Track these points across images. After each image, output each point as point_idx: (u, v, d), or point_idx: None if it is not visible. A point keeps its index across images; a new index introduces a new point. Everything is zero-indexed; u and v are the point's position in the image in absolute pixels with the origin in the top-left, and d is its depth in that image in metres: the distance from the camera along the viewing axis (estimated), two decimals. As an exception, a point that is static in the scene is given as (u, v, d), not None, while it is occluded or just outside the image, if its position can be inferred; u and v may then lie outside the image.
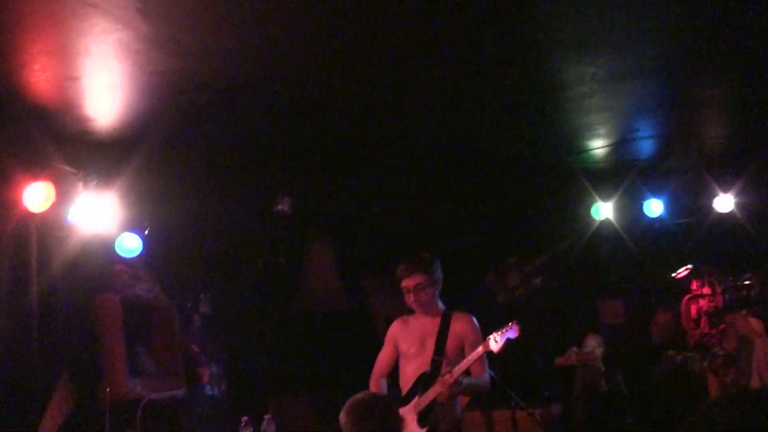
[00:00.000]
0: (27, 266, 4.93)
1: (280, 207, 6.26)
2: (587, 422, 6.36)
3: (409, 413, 4.68)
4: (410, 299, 4.81)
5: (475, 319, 4.93)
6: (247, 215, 6.43)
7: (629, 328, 7.16)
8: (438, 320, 4.85)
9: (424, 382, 4.71)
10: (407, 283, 4.79)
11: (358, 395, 3.63)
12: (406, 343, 4.92)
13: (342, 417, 3.46)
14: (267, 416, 5.02)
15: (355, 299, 7.21)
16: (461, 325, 4.86)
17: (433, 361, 4.74)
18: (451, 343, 4.79)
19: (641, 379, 6.49)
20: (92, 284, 5.40)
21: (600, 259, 7.28)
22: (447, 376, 4.55)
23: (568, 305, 7.34)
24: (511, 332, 4.61)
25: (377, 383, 4.96)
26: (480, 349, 4.62)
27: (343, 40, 4.10)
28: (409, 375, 4.81)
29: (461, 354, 4.78)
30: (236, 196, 6.21)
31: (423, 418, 4.65)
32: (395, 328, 5.02)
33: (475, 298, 7.27)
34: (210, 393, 6.04)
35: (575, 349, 6.71)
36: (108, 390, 4.65)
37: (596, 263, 7.30)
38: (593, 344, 6.79)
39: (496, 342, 4.59)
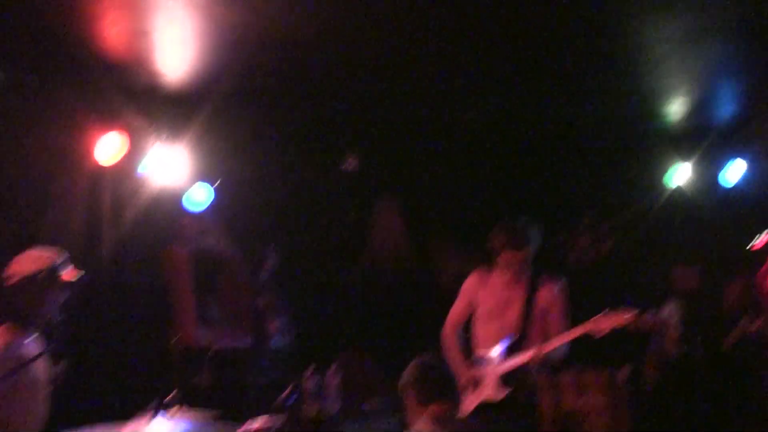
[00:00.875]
0: (100, 218, 5.04)
1: (347, 165, 6.25)
2: (658, 386, 6.23)
3: (489, 374, 4.66)
4: (513, 270, 4.72)
5: (563, 285, 4.86)
6: (314, 172, 6.44)
7: (703, 295, 6.97)
8: (524, 284, 4.78)
9: (510, 346, 4.67)
10: (512, 257, 4.69)
11: (422, 358, 3.63)
12: (488, 302, 4.84)
13: (403, 378, 3.45)
14: (332, 369, 5.06)
15: (422, 259, 7.18)
16: (549, 292, 4.79)
17: (519, 326, 4.70)
18: (537, 310, 4.73)
19: (714, 348, 6.31)
20: (162, 236, 5.49)
21: (674, 226, 7.09)
22: (538, 350, 4.54)
23: (639, 270, 7.18)
24: (619, 319, 4.53)
25: (453, 335, 4.91)
26: (581, 330, 4.56)
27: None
28: (488, 335, 4.75)
29: (545, 320, 4.73)
30: (304, 152, 6.22)
31: (505, 382, 4.62)
32: (474, 283, 4.92)
33: (542, 257, 7.16)
34: (276, 345, 6.12)
35: (651, 312, 6.52)
36: (177, 339, 4.71)
37: (670, 229, 7.10)
38: (670, 309, 6.62)
39: (598, 325, 4.53)
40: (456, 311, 4.95)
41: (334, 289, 6.89)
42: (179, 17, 4.22)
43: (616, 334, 6.55)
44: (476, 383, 4.68)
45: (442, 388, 3.38)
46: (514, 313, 4.74)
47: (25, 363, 3.69)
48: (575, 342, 5.18)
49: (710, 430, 5.75)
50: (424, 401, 3.33)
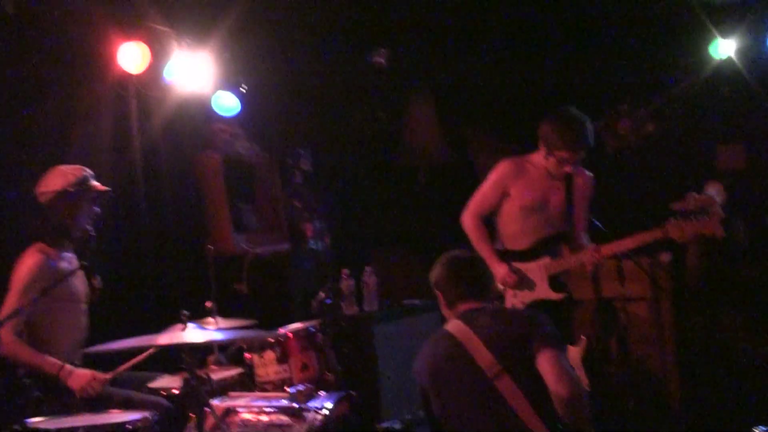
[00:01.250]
0: (128, 126, 5.01)
1: (376, 59, 6.09)
2: (701, 272, 6.15)
3: (535, 271, 4.45)
4: (566, 169, 4.40)
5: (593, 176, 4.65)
6: (344, 70, 6.30)
7: (750, 174, 6.78)
8: (561, 175, 4.47)
9: (554, 242, 4.49)
10: (571, 156, 4.37)
11: (455, 252, 3.51)
12: (526, 193, 4.52)
13: (437, 271, 3.36)
14: (368, 268, 5.06)
15: (457, 152, 7.07)
16: (585, 182, 4.59)
17: (564, 220, 4.48)
18: (576, 202, 4.50)
19: (761, 230, 6.17)
20: (192, 143, 5.46)
21: (719, 102, 6.84)
22: (596, 253, 4.33)
23: (684, 151, 6.98)
24: (708, 227, 4.18)
25: (482, 227, 4.59)
26: (657, 233, 4.26)
27: None
28: (529, 229, 4.49)
29: (578, 212, 4.52)
30: (333, 50, 6.06)
31: (555, 282, 4.44)
32: (509, 171, 4.56)
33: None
34: (313, 247, 6.13)
35: (694, 194, 6.36)
36: (213, 245, 4.73)
37: (715, 106, 6.85)
38: (713, 192, 6.45)
39: (681, 231, 4.21)
40: (485, 200, 4.62)
41: (369, 189, 6.85)
42: None
43: (660, 218, 6.47)
44: (522, 280, 4.45)
45: (475, 284, 3.29)
46: (557, 206, 4.49)
47: (63, 278, 3.77)
48: (615, 228, 5.10)
49: (753, 316, 5.68)
50: (456, 298, 3.27)
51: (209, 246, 4.67)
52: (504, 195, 4.58)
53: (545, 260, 4.42)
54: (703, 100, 6.76)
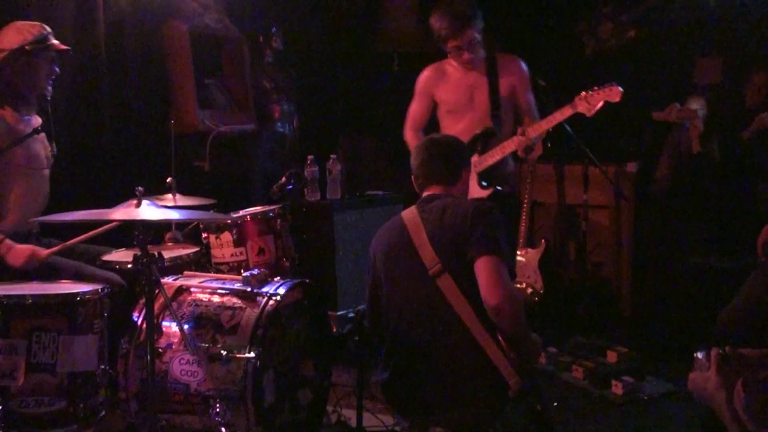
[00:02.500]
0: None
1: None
2: (668, 182, 6.16)
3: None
4: (464, 57, 4.32)
5: (523, 62, 4.51)
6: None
7: (726, 88, 6.74)
8: (483, 68, 4.40)
9: (483, 139, 4.39)
10: (458, 41, 4.27)
11: (434, 135, 3.48)
12: (451, 96, 4.48)
13: (417, 154, 3.26)
14: (333, 156, 4.98)
15: (432, 42, 6.88)
16: (512, 69, 4.44)
17: (493, 116, 4.38)
18: (504, 93, 4.40)
19: (732, 144, 6.17)
20: (160, 11, 5.22)
21: (702, 14, 6.71)
22: (522, 137, 4.24)
23: (663, 61, 6.89)
24: (611, 95, 4.11)
25: (416, 135, 4.55)
26: (568, 110, 4.18)
27: None
28: (459, 130, 4.35)
29: (513, 101, 4.44)
30: None
31: (485, 178, 4.37)
32: (429, 78, 4.55)
33: (561, 48, 6.88)
34: (280, 130, 6.01)
35: (677, 105, 6.30)
36: (176, 121, 4.61)
37: (698, 17, 6.73)
38: (697, 105, 6.40)
39: (588, 104, 4.13)
40: (416, 113, 4.60)
41: (341, 73, 6.69)
42: None
43: (628, 129, 6.43)
44: None
45: (442, 166, 3.18)
46: (481, 103, 4.41)
47: (22, 138, 3.65)
48: (581, 135, 5.05)
49: (714, 228, 5.74)
50: (423, 182, 3.21)
51: (171, 120, 4.55)
52: (431, 103, 4.58)
53: (473, 158, 4.30)
54: (687, 11, 6.63)
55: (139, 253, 2.91)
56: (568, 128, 4.85)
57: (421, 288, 2.98)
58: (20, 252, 3.56)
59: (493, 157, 4.37)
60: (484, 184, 4.36)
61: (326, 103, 6.61)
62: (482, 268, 2.86)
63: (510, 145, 4.32)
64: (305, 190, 4.83)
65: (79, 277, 3.56)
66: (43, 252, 3.59)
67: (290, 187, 4.31)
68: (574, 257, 6.00)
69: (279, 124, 5.96)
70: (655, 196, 6.00)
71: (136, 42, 5.08)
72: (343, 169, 5.05)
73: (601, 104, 4.14)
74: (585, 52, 7.40)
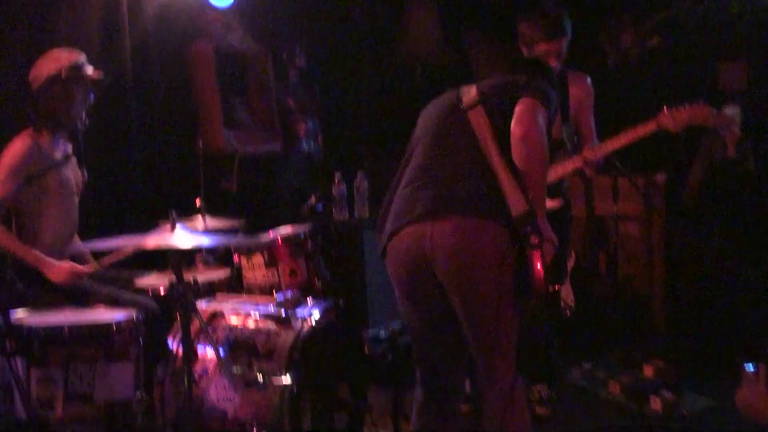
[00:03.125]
0: (119, 13, 4.80)
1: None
2: (700, 191, 6.07)
3: None
4: (552, 64, 4.11)
5: (590, 80, 4.43)
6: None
7: (750, 95, 6.67)
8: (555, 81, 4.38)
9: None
10: (551, 47, 4.11)
11: None
12: None
13: None
14: (360, 173, 4.96)
15: (456, 53, 6.86)
16: (581, 85, 4.37)
17: (562, 127, 4.25)
18: (572, 106, 4.30)
19: (760, 152, 6.10)
20: (184, 32, 5.24)
21: (727, 18, 6.65)
22: (590, 154, 4.16)
23: (687, 68, 6.84)
24: (698, 114, 4.02)
25: None
26: (651, 125, 4.09)
27: None
28: None
29: (577, 117, 4.33)
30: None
31: (552, 190, 4.18)
32: None
33: (583, 59, 6.82)
34: (305, 148, 6.00)
35: (714, 110, 6.22)
36: (202, 142, 4.61)
37: (722, 22, 6.67)
38: (733, 112, 6.31)
39: (674, 120, 4.03)
40: None
41: (364, 88, 6.67)
42: None
43: (657, 138, 6.36)
44: None
45: None
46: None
47: (54, 165, 3.68)
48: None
49: (747, 242, 5.66)
50: None
51: (199, 141, 4.54)
52: None
53: None
54: (710, 16, 6.58)
55: (174, 279, 2.90)
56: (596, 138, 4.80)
57: (449, 116, 2.98)
58: (61, 268, 3.61)
59: (560, 169, 4.31)
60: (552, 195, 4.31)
61: (350, 118, 6.59)
62: (522, 105, 2.81)
63: (573, 163, 4.26)
64: (333, 209, 4.81)
65: (113, 302, 3.57)
66: (83, 268, 3.62)
67: (320, 208, 4.30)
68: (605, 270, 5.93)
69: (304, 142, 5.95)
70: (686, 206, 5.92)
71: (162, 63, 5.09)
72: (370, 186, 5.03)
73: (686, 121, 4.06)
74: (607, 63, 7.36)
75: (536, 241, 2.64)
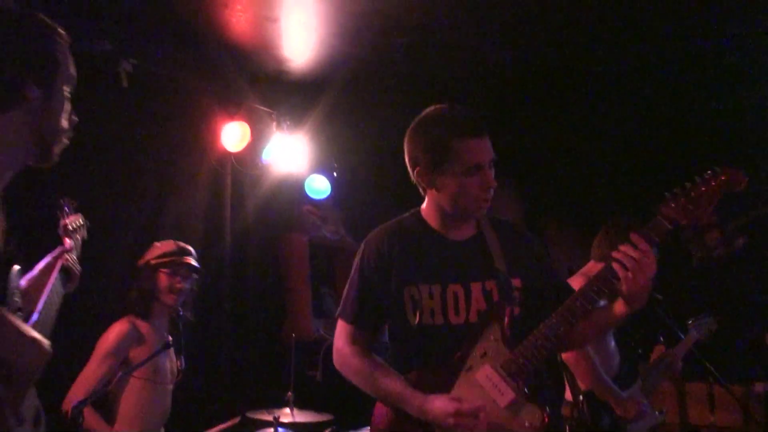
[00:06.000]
0: (222, 205, 5.02)
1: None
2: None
3: None
4: None
5: None
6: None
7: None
8: None
9: None
10: None
11: None
12: None
13: None
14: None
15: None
16: None
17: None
18: None
19: None
20: (281, 223, 5.43)
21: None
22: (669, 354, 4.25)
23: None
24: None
25: None
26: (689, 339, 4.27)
27: None
28: None
29: None
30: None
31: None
32: None
33: (668, 257, 6.78)
34: (386, 338, 5.99)
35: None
36: (291, 330, 4.65)
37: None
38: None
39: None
40: None
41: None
42: (308, 4, 4.15)
43: (754, 347, 6.17)
44: None
45: None
46: None
47: (152, 355, 3.70)
48: (707, 352, 4.85)
49: None
50: None
51: (291, 333, 4.58)
52: None
53: None
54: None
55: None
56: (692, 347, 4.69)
57: None
58: None
59: None
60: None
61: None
62: None
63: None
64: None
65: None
66: None
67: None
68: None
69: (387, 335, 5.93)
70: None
71: (258, 253, 5.25)
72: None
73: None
74: (692, 262, 7.30)
75: None
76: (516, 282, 2.56)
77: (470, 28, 4.47)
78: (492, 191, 2.57)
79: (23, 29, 1.98)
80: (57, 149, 2.07)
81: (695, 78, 5.31)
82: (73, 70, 2.07)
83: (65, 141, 2.08)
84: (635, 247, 2.38)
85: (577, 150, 6.49)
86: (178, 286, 3.93)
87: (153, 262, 3.83)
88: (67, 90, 2.05)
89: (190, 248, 3.95)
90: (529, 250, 2.67)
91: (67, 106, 2.05)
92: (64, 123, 2.05)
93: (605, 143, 6.41)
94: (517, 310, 2.52)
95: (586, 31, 4.63)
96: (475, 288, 2.54)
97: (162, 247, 3.92)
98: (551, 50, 4.90)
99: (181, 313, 3.94)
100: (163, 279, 3.87)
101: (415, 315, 2.55)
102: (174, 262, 3.89)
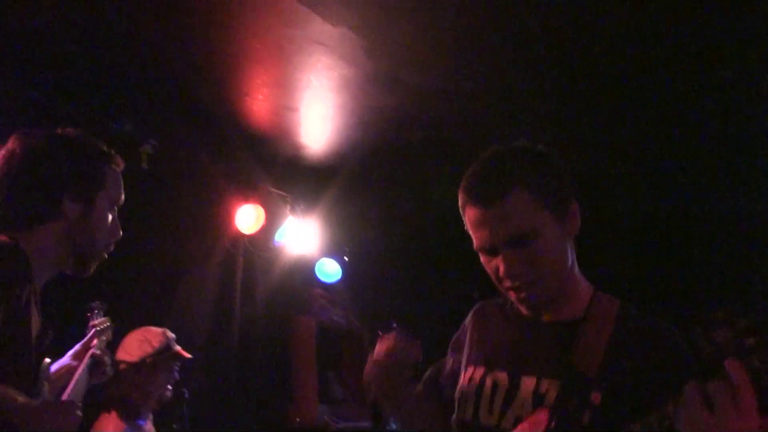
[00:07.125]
0: (233, 286, 5.05)
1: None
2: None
3: None
4: None
5: None
6: (442, 247, 6.29)
7: None
8: None
9: None
10: None
11: None
12: None
13: None
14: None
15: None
16: None
17: None
18: None
19: None
20: (291, 306, 5.45)
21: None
22: None
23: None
24: None
25: None
26: None
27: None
28: None
29: None
30: (432, 229, 6.09)
31: None
32: None
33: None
34: (393, 428, 5.93)
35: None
36: (296, 415, 4.62)
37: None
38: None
39: None
40: None
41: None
42: (327, 96, 4.25)
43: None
44: None
45: None
46: None
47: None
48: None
49: None
50: None
51: (296, 418, 4.56)
52: None
53: None
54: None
55: None
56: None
57: None
58: None
59: None
60: None
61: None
62: None
63: None
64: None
65: None
66: None
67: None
68: None
69: (394, 423, 5.88)
70: None
71: (265, 336, 5.24)
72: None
73: None
74: (701, 360, 7.20)
75: None
76: (595, 397, 1.69)
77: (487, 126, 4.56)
78: (516, 280, 1.77)
79: (72, 151, 2.10)
80: (92, 263, 2.15)
81: None
82: (120, 191, 2.18)
83: (104, 256, 2.15)
84: None
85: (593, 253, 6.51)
86: (172, 378, 3.71)
87: (148, 360, 3.52)
88: (112, 208, 2.15)
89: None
90: (653, 369, 1.71)
91: (111, 224, 2.14)
92: (103, 239, 2.13)
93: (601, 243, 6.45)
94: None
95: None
96: (526, 383, 1.79)
97: (154, 337, 3.60)
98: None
99: (169, 397, 3.73)
100: (155, 375, 3.61)
101: None
102: (171, 355, 3.61)
